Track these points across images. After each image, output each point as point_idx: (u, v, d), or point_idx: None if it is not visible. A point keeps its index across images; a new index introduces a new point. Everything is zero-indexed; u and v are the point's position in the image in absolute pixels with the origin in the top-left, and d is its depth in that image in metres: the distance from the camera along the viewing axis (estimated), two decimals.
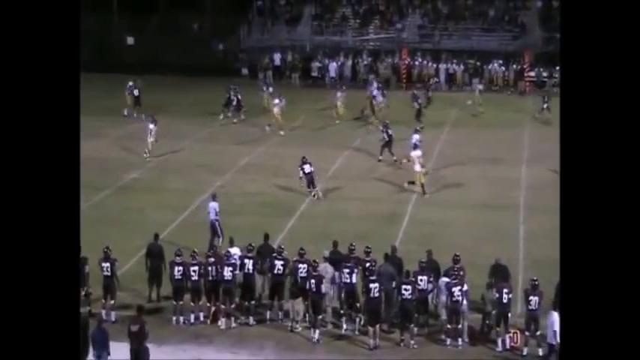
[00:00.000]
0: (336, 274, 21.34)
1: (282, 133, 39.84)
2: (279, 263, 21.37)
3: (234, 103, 43.24)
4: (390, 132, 35.11)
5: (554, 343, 18.96)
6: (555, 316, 18.91)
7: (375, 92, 42.57)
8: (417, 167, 31.15)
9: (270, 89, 44.78)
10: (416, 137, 33.96)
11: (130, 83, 44.07)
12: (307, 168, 30.48)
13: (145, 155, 35.31)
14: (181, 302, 21.33)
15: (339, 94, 43.17)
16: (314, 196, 30.61)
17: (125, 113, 43.61)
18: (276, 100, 40.18)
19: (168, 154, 36.44)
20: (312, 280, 20.57)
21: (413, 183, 31.23)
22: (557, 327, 18.74)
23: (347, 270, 20.98)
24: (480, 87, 47.93)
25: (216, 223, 25.55)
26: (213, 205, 25.87)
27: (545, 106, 42.39)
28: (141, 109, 43.07)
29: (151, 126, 35.17)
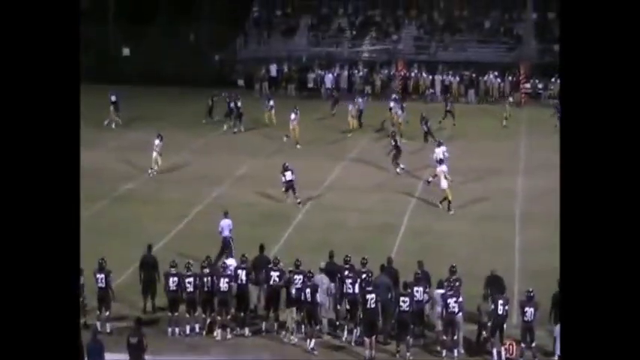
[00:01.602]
0: (332, 285, 21.28)
1: (298, 146, 39.64)
2: (274, 274, 21.30)
3: (235, 112, 43.72)
4: (398, 143, 35.13)
5: None
6: None
7: (392, 105, 42.35)
8: (444, 183, 30.47)
9: (272, 102, 44.64)
10: (439, 151, 33.14)
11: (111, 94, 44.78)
12: (289, 175, 30.87)
13: (150, 172, 34.84)
14: (177, 313, 21.25)
15: (350, 107, 43.22)
16: (299, 203, 30.92)
17: (105, 124, 44.14)
18: (292, 115, 40.10)
19: (166, 164, 36.41)
20: (307, 291, 20.51)
21: (446, 200, 30.42)
22: None
23: (349, 280, 20.92)
24: (511, 100, 47.62)
25: (230, 240, 25.22)
26: (227, 223, 25.47)
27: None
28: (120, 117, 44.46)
29: (157, 141, 34.68)
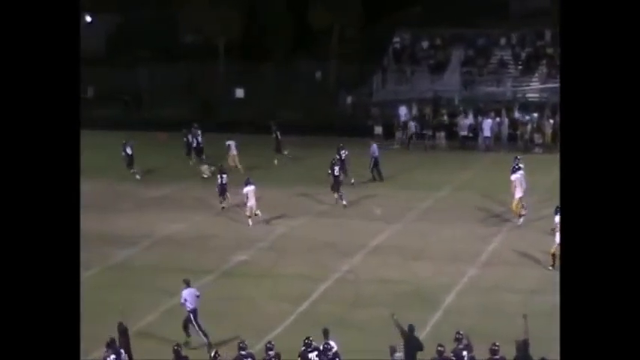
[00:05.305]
0: None
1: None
2: None
3: (194, 146, 47.88)
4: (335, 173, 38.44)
5: None
6: None
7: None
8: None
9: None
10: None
11: (124, 142, 46.60)
12: (224, 178, 39.35)
13: None
14: None
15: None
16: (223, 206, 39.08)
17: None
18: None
19: (286, 230, 36.71)
20: None
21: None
22: None
23: None
24: None
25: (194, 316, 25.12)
26: (191, 292, 25.41)
27: None
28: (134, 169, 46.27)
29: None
